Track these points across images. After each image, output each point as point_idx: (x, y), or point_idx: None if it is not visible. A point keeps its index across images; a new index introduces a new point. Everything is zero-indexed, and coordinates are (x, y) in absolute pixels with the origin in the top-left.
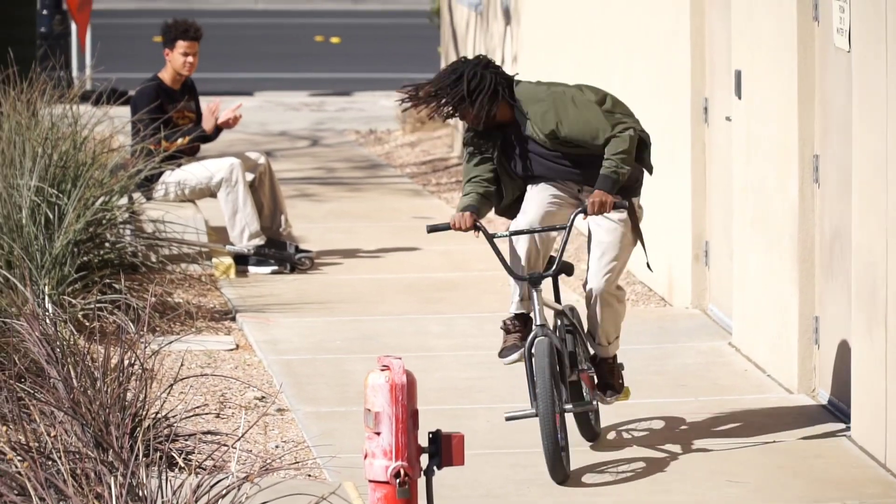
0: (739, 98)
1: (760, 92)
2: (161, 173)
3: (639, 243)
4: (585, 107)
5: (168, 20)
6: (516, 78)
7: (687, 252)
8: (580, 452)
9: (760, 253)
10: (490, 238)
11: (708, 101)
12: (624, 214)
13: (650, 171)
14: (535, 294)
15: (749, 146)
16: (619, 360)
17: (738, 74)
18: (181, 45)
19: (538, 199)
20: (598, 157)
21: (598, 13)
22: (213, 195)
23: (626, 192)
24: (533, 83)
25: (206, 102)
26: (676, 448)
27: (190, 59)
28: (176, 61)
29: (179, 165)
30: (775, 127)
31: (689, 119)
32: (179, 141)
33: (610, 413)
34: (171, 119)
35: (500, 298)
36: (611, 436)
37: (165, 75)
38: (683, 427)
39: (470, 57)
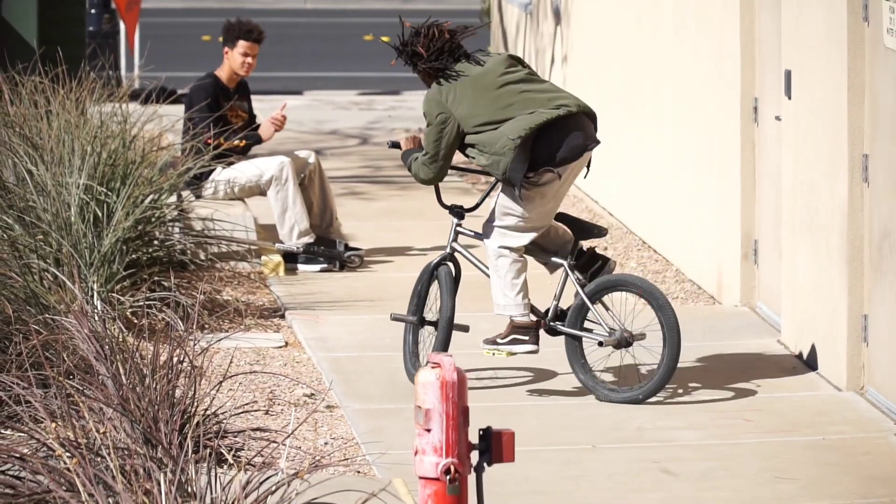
0: (789, 98)
1: (810, 92)
2: (211, 171)
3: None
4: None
5: (231, 19)
6: (472, 55)
7: (736, 251)
8: (626, 449)
9: (809, 251)
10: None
11: (758, 100)
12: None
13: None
14: (452, 226)
15: (798, 146)
16: (518, 325)
17: (788, 74)
18: (242, 45)
19: None
20: (484, 141)
21: (648, 14)
22: (263, 193)
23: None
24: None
25: (257, 102)
26: (725, 444)
27: (249, 59)
28: (235, 61)
29: (230, 164)
30: (825, 126)
31: (738, 118)
32: (236, 142)
33: (657, 409)
34: (225, 117)
35: (548, 296)
36: (657, 432)
37: (222, 73)
38: (732, 424)
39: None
